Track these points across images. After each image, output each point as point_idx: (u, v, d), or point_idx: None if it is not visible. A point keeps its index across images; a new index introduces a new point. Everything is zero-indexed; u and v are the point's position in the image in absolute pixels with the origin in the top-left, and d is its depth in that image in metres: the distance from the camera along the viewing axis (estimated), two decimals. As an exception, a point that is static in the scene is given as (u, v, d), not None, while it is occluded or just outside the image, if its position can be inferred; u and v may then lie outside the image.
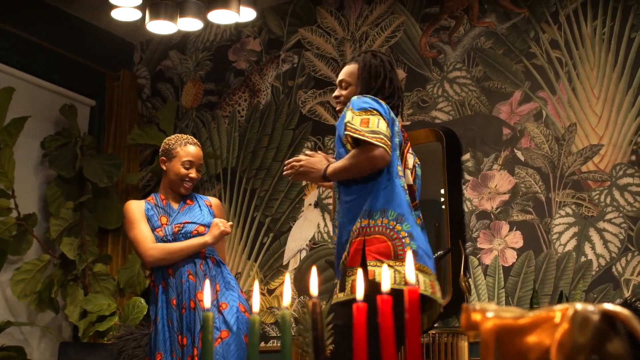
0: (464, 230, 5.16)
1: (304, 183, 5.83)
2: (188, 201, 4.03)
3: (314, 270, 1.63)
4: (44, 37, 6.17)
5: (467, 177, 5.24)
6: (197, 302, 3.75)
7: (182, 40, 6.74)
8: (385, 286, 1.47)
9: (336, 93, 3.58)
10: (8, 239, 5.31)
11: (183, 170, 3.95)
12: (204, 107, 6.50)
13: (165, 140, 4.07)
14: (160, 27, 4.89)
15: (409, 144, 3.54)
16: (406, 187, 3.34)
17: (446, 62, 5.51)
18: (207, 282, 1.68)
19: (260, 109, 6.21)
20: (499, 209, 5.10)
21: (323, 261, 5.49)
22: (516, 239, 5.00)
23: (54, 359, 5.81)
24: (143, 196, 6.40)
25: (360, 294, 1.51)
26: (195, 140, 4.09)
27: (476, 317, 1.51)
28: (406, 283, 1.41)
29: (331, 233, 5.64)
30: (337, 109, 3.56)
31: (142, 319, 5.26)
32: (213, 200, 4.14)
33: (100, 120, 6.61)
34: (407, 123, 5.52)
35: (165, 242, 3.85)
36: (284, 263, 5.79)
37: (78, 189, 5.99)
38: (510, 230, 5.03)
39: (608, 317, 1.32)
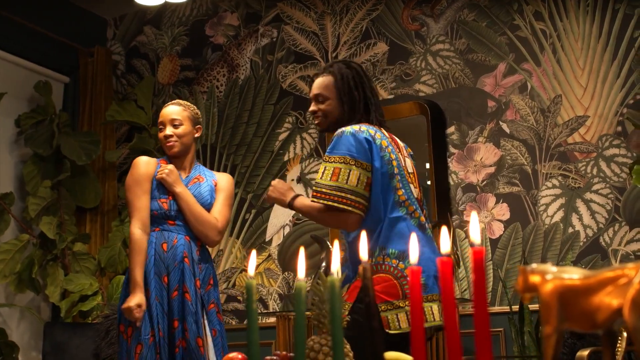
0: (450, 204, 5.14)
1: (285, 158, 5.78)
2: (199, 176, 3.82)
3: (363, 235, 1.58)
4: (17, 13, 6.02)
5: (452, 150, 5.23)
6: (189, 290, 3.57)
7: (156, 16, 6.62)
8: (445, 248, 1.43)
9: (312, 108, 3.32)
10: (-14, 218, 5.19)
11: (160, 134, 3.79)
12: (181, 83, 6.40)
13: None
14: (148, -1, 4.76)
15: (402, 148, 3.36)
16: (410, 210, 3.14)
17: (429, 35, 5.48)
18: (254, 252, 1.62)
19: (239, 84, 6.13)
20: (484, 182, 5.09)
21: (309, 236, 5.45)
22: (503, 211, 5.00)
23: (34, 340, 5.70)
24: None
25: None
26: (176, 100, 3.90)
27: (535, 279, 1.47)
28: (471, 244, 1.37)
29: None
30: (316, 122, 3.35)
31: (127, 298, 5.18)
32: (219, 177, 3.91)
33: (74, 97, 6.46)
34: (391, 97, 5.48)
35: (167, 217, 3.66)
36: (267, 239, 5.74)
37: (55, 168, 5.87)
38: (497, 202, 5.03)
39: (683, 274, 1.29)
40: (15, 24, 6.00)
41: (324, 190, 3.04)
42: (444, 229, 1.48)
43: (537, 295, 1.50)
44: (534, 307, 4.27)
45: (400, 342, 2.66)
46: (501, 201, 5.02)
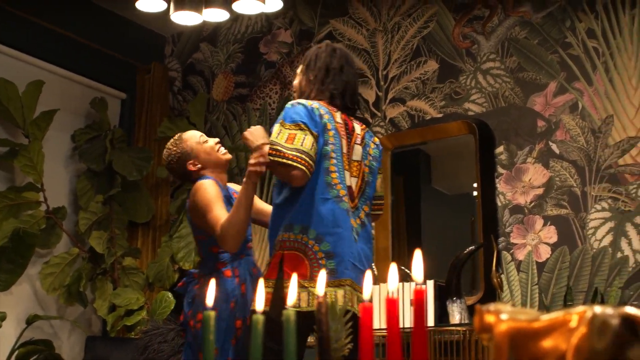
0: (497, 225, 5.03)
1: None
2: (233, 194, 3.66)
3: (322, 274, 1.54)
4: (74, 30, 6.15)
5: (500, 170, 5.12)
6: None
7: (213, 33, 6.68)
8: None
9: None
10: (36, 232, 5.28)
11: (207, 144, 3.64)
12: (235, 100, 6.44)
13: (172, 154, 3.66)
14: (185, 17, 4.80)
15: (355, 135, 3.44)
16: (341, 194, 3.26)
17: (480, 53, 5.38)
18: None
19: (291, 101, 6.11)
20: (532, 203, 4.97)
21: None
22: (550, 234, 4.87)
23: (83, 353, 5.79)
24: (174, 189, 6.36)
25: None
26: None
27: (490, 319, 1.41)
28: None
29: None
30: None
31: (169, 314, 5.21)
32: (237, 189, 3.68)
33: (131, 113, 6.57)
34: (440, 115, 5.41)
35: (247, 240, 3.54)
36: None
37: (108, 183, 5.96)
38: (545, 225, 4.90)
39: (629, 322, 1.22)
40: (73, 40, 6.13)
41: (278, 148, 3.16)
42: (392, 266, 1.43)
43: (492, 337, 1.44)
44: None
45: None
46: (549, 224, 4.89)
